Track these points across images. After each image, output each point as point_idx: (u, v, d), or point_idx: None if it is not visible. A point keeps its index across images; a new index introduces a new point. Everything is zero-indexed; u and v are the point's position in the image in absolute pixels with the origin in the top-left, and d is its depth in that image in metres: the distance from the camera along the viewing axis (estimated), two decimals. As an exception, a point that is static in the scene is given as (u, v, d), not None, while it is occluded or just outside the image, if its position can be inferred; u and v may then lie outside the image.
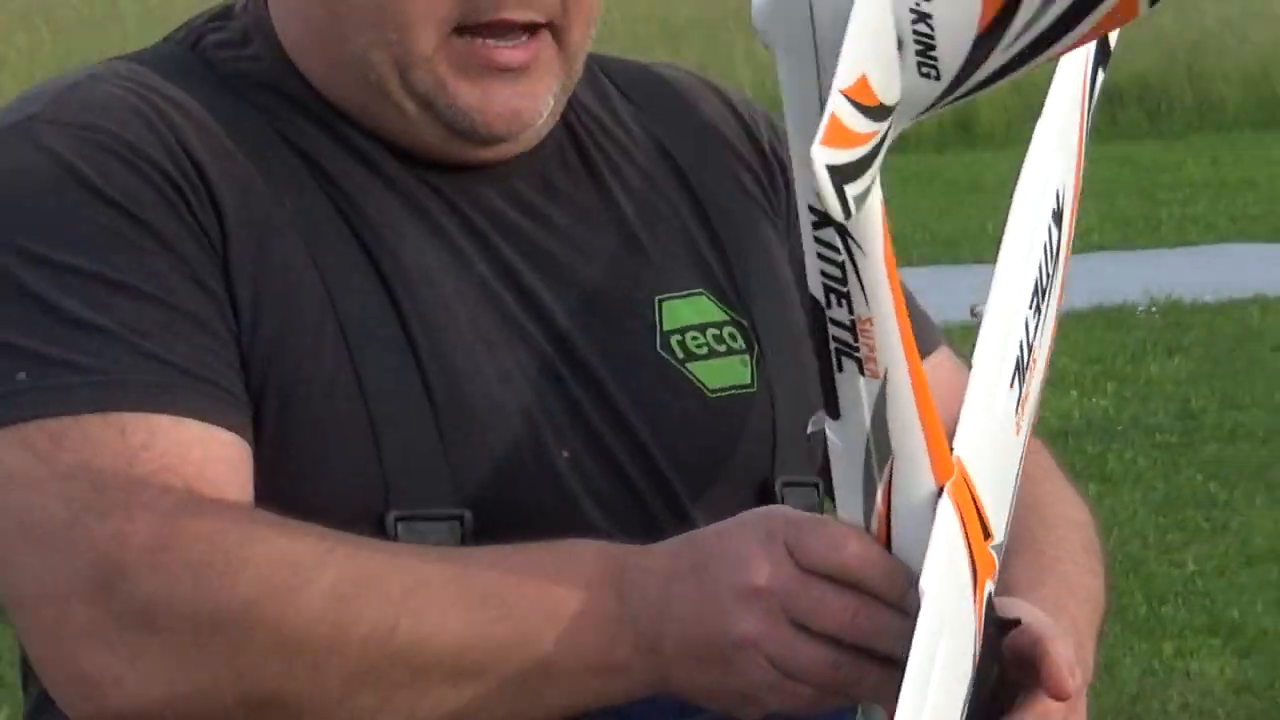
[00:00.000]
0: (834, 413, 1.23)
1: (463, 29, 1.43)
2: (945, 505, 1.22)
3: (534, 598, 1.29)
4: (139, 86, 1.44)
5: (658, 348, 1.49)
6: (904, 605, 1.22)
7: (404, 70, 1.43)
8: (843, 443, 1.25)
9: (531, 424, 1.43)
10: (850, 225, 1.13)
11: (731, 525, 1.30)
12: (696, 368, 1.50)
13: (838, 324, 1.19)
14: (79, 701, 1.32)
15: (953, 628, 1.22)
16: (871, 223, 1.15)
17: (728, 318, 1.53)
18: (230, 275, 1.39)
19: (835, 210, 1.05)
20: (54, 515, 1.30)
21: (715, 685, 1.28)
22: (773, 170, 1.64)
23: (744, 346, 1.52)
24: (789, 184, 1.57)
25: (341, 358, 1.40)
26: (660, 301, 1.51)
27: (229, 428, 1.36)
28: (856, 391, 1.21)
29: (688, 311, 1.52)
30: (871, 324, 1.18)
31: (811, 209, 1.14)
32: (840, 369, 1.21)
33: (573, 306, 1.49)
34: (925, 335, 1.55)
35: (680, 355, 1.50)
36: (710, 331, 1.52)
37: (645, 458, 1.46)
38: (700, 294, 1.53)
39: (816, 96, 1.11)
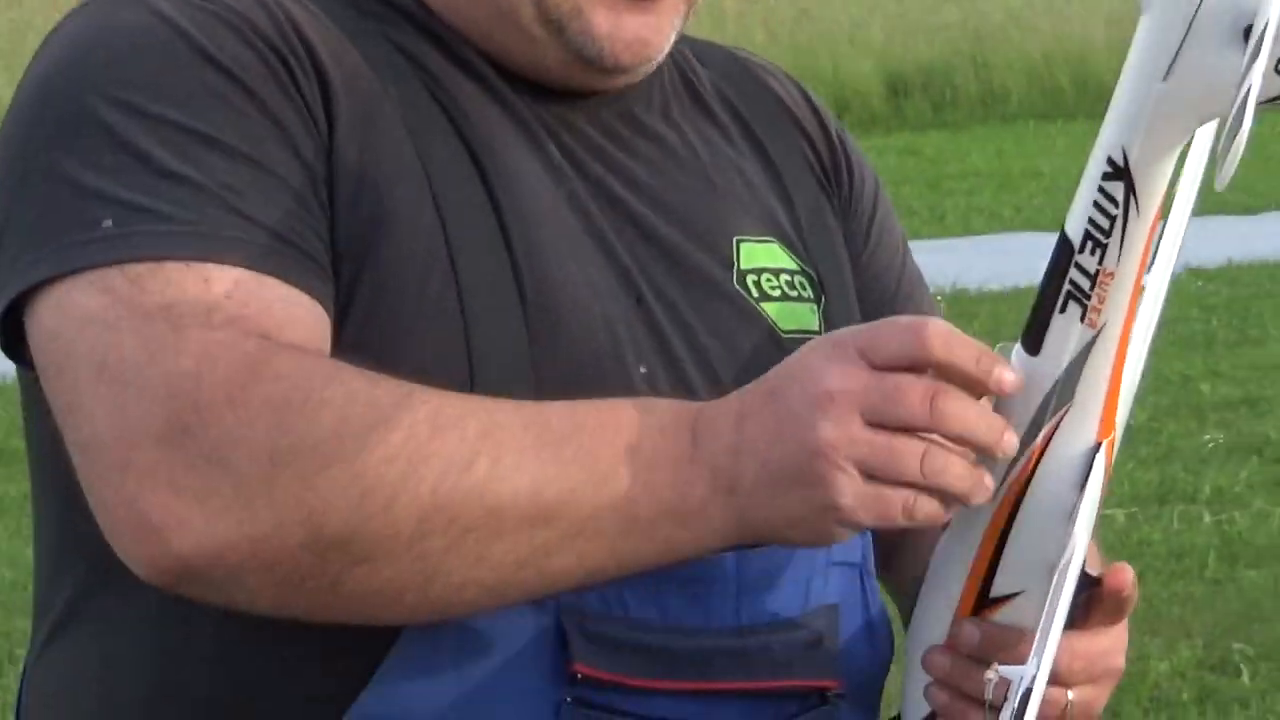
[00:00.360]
0: (1033, 349, 1.25)
1: None
2: (1100, 460, 1.25)
3: (609, 440, 1.28)
4: None
5: (735, 283, 1.50)
6: (989, 385, 1.24)
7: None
8: (1025, 378, 1.24)
9: (614, 336, 1.43)
10: (1139, 185, 1.18)
11: (798, 351, 1.30)
12: (770, 308, 1.50)
13: (1081, 269, 1.21)
14: (139, 546, 1.27)
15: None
16: (1159, 188, 1.20)
17: (799, 268, 1.54)
18: (333, 156, 1.37)
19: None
20: (129, 355, 1.26)
21: (798, 509, 1.26)
22: (837, 155, 1.65)
23: (813, 296, 1.54)
24: (851, 171, 1.65)
25: (438, 248, 1.38)
26: (738, 241, 1.52)
27: (312, 294, 1.33)
28: (1067, 336, 1.23)
29: (763, 255, 1.53)
30: (1112, 279, 1.21)
31: (1110, 160, 1.18)
32: (1063, 310, 1.23)
33: (657, 232, 1.49)
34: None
35: (755, 294, 1.51)
36: (783, 277, 1.53)
37: (716, 384, 1.44)
38: (773, 242, 1.54)
39: (1167, 64, 1.16)
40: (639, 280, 1.46)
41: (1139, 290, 1.25)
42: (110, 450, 1.27)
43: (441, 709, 1.36)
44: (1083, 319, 1.23)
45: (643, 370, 1.43)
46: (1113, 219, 1.20)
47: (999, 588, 1.32)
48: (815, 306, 1.54)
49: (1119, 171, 1.18)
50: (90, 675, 1.45)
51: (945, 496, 1.26)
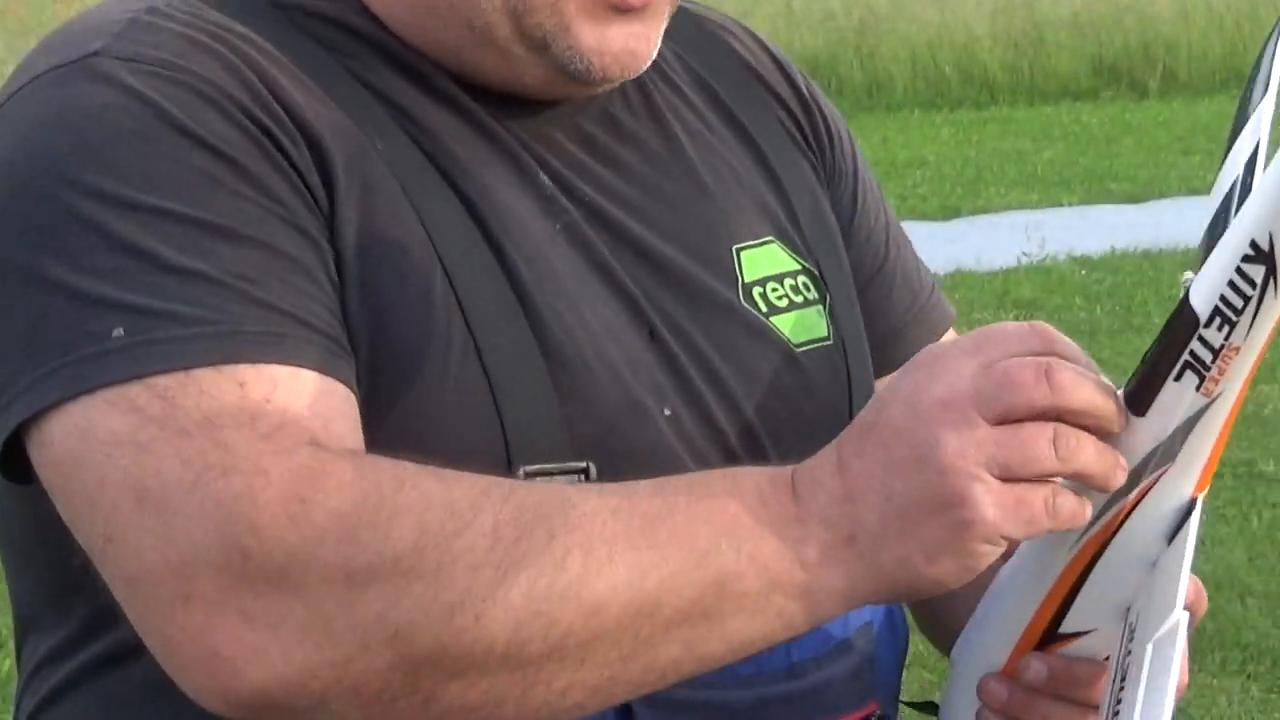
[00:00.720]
0: (1139, 410, 1.21)
1: None
2: (1197, 515, 1.23)
3: (704, 515, 1.20)
4: (205, 24, 1.33)
5: (741, 299, 1.44)
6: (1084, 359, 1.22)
7: (520, 15, 1.35)
8: (1127, 437, 1.21)
9: (634, 381, 1.37)
10: None
11: (890, 380, 1.24)
12: (779, 321, 1.45)
13: (1205, 343, 1.17)
14: (212, 682, 1.18)
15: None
16: None
17: (799, 266, 1.49)
18: (335, 229, 1.30)
19: None
20: (172, 478, 1.17)
21: (936, 536, 1.17)
22: (812, 113, 1.60)
23: (817, 296, 1.49)
24: (830, 132, 1.59)
25: (454, 317, 1.31)
26: (738, 250, 1.46)
27: (343, 381, 1.26)
28: (1179, 402, 1.20)
29: (764, 260, 1.47)
30: (1236, 353, 1.17)
31: (1254, 244, 1.13)
32: (1177, 379, 1.19)
33: (657, 253, 1.42)
34: (940, 309, 1.62)
35: (763, 308, 1.45)
36: (787, 281, 1.47)
37: (739, 415, 1.41)
38: (771, 241, 1.49)
39: None
40: (649, 311, 1.40)
41: (1259, 361, 1.21)
42: (166, 583, 1.17)
43: None
44: (1198, 388, 1.19)
45: (667, 413, 1.38)
46: (1247, 299, 1.16)
47: (1070, 625, 1.29)
48: (821, 308, 1.49)
49: (1261, 255, 1.14)
50: None
51: (1080, 485, 1.20)
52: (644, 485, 1.23)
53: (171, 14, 1.33)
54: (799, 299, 1.47)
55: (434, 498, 1.18)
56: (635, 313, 1.39)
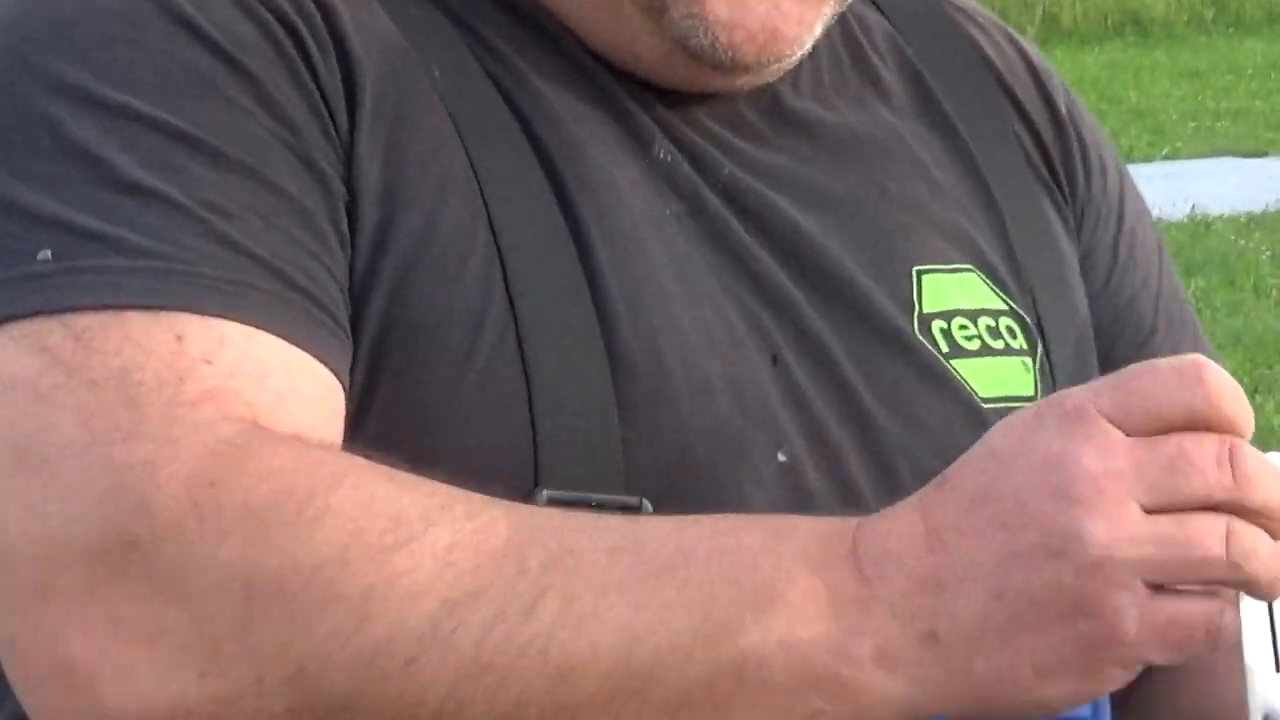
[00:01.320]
0: None
1: None
2: None
3: (730, 573, 0.98)
4: None
5: (916, 332, 1.21)
6: None
7: None
8: None
9: (740, 410, 1.14)
10: None
11: (1001, 428, 0.99)
12: (964, 366, 1.21)
13: None
14: (60, 699, 0.99)
15: None
16: None
17: (1006, 306, 1.25)
18: (354, 166, 1.10)
19: None
20: (62, 436, 0.99)
21: (1058, 651, 0.95)
22: (1069, 140, 1.36)
23: (1026, 346, 1.25)
24: (1088, 161, 1.35)
25: (494, 293, 1.10)
26: (919, 273, 1.23)
27: (325, 361, 1.06)
28: None
29: (955, 290, 1.24)
30: None
31: None
32: None
33: (806, 260, 1.20)
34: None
35: (945, 348, 1.21)
36: (984, 321, 1.24)
37: (889, 476, 1.16)
38: (970, 271, 1.25)
39: None
40: (775, 331, 1.17)
41: None
42: (23, 566, 0.99)
43: None
44: None
45: (782, 459, 1.14)
46: None
47: None
48: (1030, 361, 1.25)
49: None
50: None
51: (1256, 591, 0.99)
52: (658, 523, 1.03)
53: None
54: (998, 344, 1.23)
55: (378, 501, 0.98)
56: (758, 329, 1.16)
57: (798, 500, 1.11)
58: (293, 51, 1.09)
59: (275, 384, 1.02)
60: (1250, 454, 0.94)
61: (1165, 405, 0.94)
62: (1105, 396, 0.95)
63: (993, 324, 1.23)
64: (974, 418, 1.17)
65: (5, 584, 0.99)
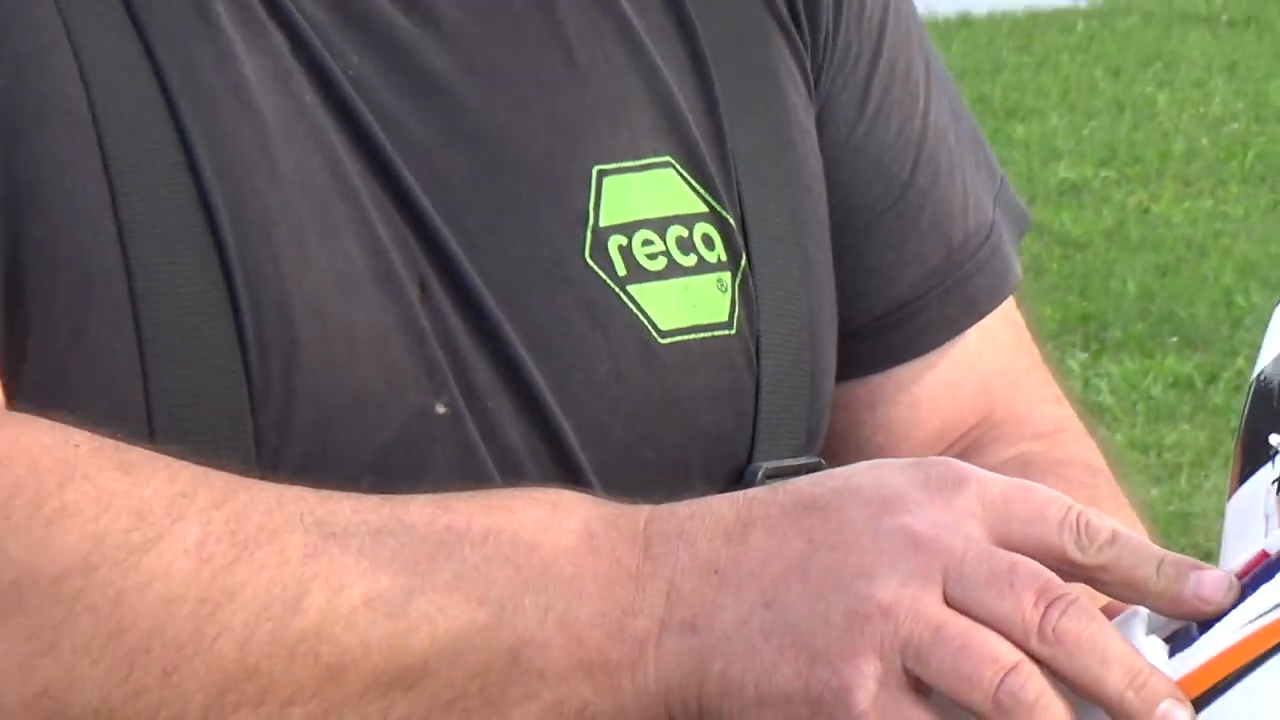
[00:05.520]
0: None
1: None
2: None
3: (506, 552, 0.95)
4: None
5: (586, 255, 1.12)
6: (1163, 594, 0.94)
7: None
8: None
9: (387, 354, 1.06)
10: None
11: (872, 464, 1.00)
12: (643, 292, 1.12)
13: None
14: None
15: None
16: None
17: (705, 209, 1.17)
18: None
19: None
20: None
21: (787, 685, 0.92)
22: None
23: (725, 259, 1.16)
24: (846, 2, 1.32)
25: (105, 228, 1.02)
26: (601, 175, 1.14)
27: None
28: None
29: (643, 195, 1.15)
30: None
31: None
32: None
33: (456, 171, 1.11)
34: (988, 273, 1.28)
35: (622, 270, 1.13)
36: (674, 231, 1.15)
37: (550, 436, 1.10)
38: (666, 164, 1.16)
39: None
40: (422, 254, 1.10)
41: None
42: None
43: None
44: None
45: (440, 410, 1.07)
46: None
47: None
48: (727, 277, 1.17)
49: None
50: None
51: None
52: (422, 500, 0.98)
53: None
54: (689, 260, 1.15)
55: (116, 496, 0.95)
56: (403, 252, 1.08)
57: (464, 457, 1.06)
58: None
59: None
60: (1078, 616, 0.91)
61: (1034, 528, 0.93)
62: (993, 489, 0.95)
63: (685, 234, 1.16)
64: (649, 357, 1.13)
65: None
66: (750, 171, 1.22)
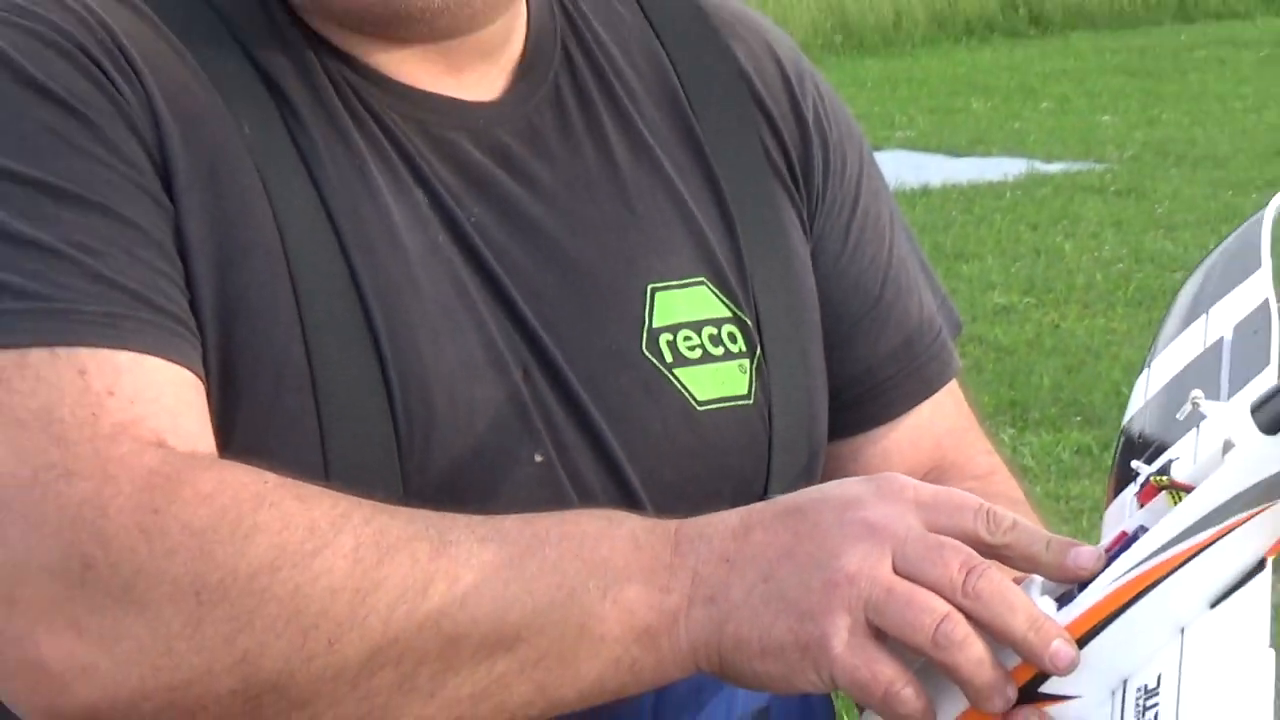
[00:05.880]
0: (1272, 426, 1.06)
1: None
2: (1267, 578, 1.08)
3: (575, 552, 1.09)
4: None
5: (643, 348, 1.27)
6: (1051, 565, 1.08)
7: None
8: (1233, 459, 1.07)
9: (497, 421, 1.22)
10: None
11: (839, 481, 1.14)
12: (685, 374, 1.28)
13: None
14: (34, 695, 1.07)
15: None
16: None
17: (730, 314, 1.31)
18: (177, 208, 1.15)
19: None
20: (5, 471, 1.05)
21: (781, 637, 1.06)
22: (810, 139, 1.40)
23: (745, 349, 1.31)
24: (828, 159, 1.40)
25: (294, 333, 1.16)
26: (653, 291, 1.29)
27: (189, 367, 1.12)
28: None
29: (684, 304, 1.29)
30: None
31: None
32: None
33: (548, 289, 1.25)
34: (931, 358, 1.44)
35: (669, 358, 1.28)
36: (707, 330, 1.30)
37: (617, 477, 1.25)
38: (700, 283, 1.31)
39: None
40: (525, 350, 1.23)
41: None
42: None
43: None
44: None
45: (538, 459, 1.22)
46: None
47: (1052, 685, 1.08)
48: (746, 363, 1.31)
49: None
50: None
51: (959, 680, 1.05)
52: (514, 518, 1.11)
53: None
54: (718, 351, 1.30)
55: (294, 516, 1.07)
56: (510, 347, 1.22)
57: (551, 493, 1.20)
58: (123, 103, 1.13)
59: (169, 403, 1.08)
60: (991, 579, 1.03)
61: (955, 518, 1.06)
62: (924, 492, 1.07)
63: (715, 332, 1.29)
64: (690, 420, 1.26)
65: None
66: (762, 288, 1.33)
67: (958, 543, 1.05)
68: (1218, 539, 1.05)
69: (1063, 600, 1.08)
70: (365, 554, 1.07)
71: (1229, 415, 1.10)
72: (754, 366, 1.31)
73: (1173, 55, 16.63)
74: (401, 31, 1.23)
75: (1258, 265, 1.27)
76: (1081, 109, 14.19)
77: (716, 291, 1.31)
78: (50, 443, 1.05)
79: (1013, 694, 1.05)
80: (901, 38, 17.43)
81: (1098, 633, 1.06)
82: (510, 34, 1.30)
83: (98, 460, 1.05)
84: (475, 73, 1.28)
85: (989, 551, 1.06)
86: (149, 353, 1.09)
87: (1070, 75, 15.78)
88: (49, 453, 1.05)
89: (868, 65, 16.36)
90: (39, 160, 1.11)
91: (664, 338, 1.28)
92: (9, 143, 1.11)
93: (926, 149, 12.57)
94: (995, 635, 1.04)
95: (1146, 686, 1.06)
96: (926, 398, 1.43)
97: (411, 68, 1.25)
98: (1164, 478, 1.11)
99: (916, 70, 16.16)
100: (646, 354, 1.27)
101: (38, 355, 1.07)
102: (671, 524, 1.12)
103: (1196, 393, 1.13)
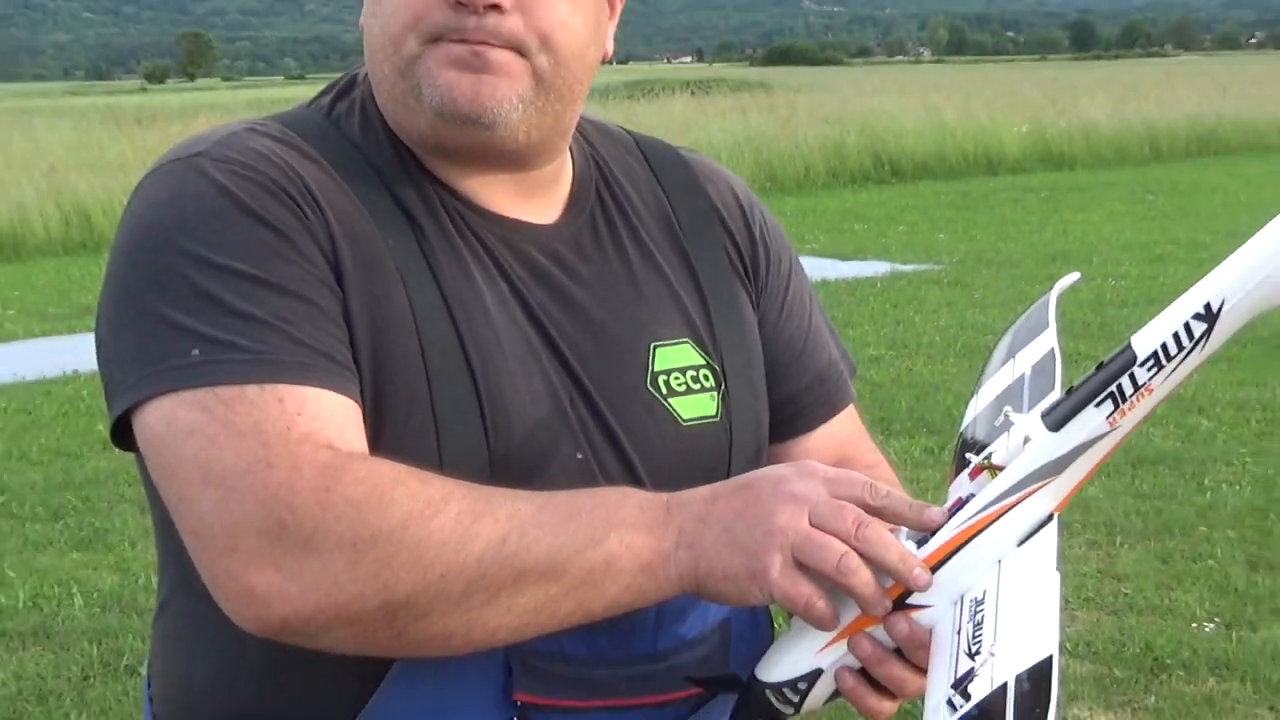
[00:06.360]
0: (1056, 427, 1.27)
1: (436, 38, 1.43)
2: (1055, 526, 1.30)
3: (601, 516, 1.32)
4: (282, 143, 1.44)
5: (647, 385, 1.51)
6: (919, 524, 1.31)
7: (403, 70, 1.44)
8: (1035, 448, 1.30)
9: (553, 433, 1.46)
10: (1218, 331, 1.21)
11: (774, 467, 1.35)
12: (676, 401, 1.53)
13: (1133, 379, 1.23)
14: (247, 610, 1.30)
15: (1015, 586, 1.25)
16: (1223, 340, 1.22)
17: (704, 362, 1.54)
18: (345, 294, 1.41)
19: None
20: (229, 464, 1.28)
21: (737, 567, 1.29)
22: (757, 250, 1.64)
23: (714, 385, 1.54)
24: (770, 262, 1.64)
25: (420, 377, 1.41)
26: (654, 347, 1.53)
27: (352, 399, 1.35)
28: (1088, 425, 1.26)
29: (674, 355, 1.54)
30: (1148, 395, 1.23)
31: (1207, 306, 1.21)
32: (1098, 405, 1.25)
33: (586, 346, 1.49)
34: (836, 390, 1.68)
35: (665, 391, 1.52)
36: (690, 373, 1.54)
37: (630, 469, 1.48)
38: (685, 342, 1.54)
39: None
40: (569, 385, 1.49)
41: (1151, 408, 1.22)
42: (218, 538, 1.28)
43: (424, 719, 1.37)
44: (1108, 417, 1.25)
45: (580, 456, 1.46)
46: (1182, 349, 1.21)
47: (915, 599, 1.31)
48: (715, 394, 1.54)
49: (1209, 315, 1.20)
50: (175, 661, 1.54)
51: (854, 595, 1.27)
52: (562, 493, 1.33)
53: (260, 130, 1.44)
54: (697, 386, 1.53)
55: (417, 493, 1.28)
56: (563, 385, 1.47)
57: (588, 479, 1.44)
58: (310, 227, 1.38)
59: (337, 421, 1.32)
60: (874, 528, 1.26)
61: (850, 490, 1.30)
62: (830, 473, 1.30)
63: (695, 374, 1.54)
64: (678, 432, 1.50)
65: (208, 546, 1.29)
66: (725, 345, 1.57)
67: (853, 505, 1.26)
68: (1021, 501, 1.26)
69: (921, 543, 1.28)
70: (464, 518, 1.28)
71: (1028, 421, 1.28)
72: (720, 397, 1.53)
73: (984, 196, 19.86)
74: (489, 161, 1.45)
75: (1045, 327, 1.50)
76: (925, 230, 16.53)
77: (695, 347, 1.53)
78: (258, 445, 1.28)
79: (889, 604, 1.26)
80: (809, 184, 21.12)
81: (944, 563, 1.28)
82: (560, 176, 1.54)
83: (289, 457, 1.27)
84: (538, 202, 1.51)
85: (873, 512, 1.27)
86: (324, 388, 1.32)
87: (917, 208, 18.53)
88: (257, 452, 1.27)
89: (787, 201, 19.19)
90: (256, 263, 1.33)
91: (661, 378, 1.51)
92: (237, 252, 1.33)
93: (825, 256, 14.35)
94: (876, 566, 1.25)
95: (976, 599, 1.25)
96: (833, 416, 1.67)
97: (496, 196, 1.47)
98: (987, 461, 1.31)
99: (819, 205, 19.06)
100: (649, 389, 1.50)
101: (252, 390, 1.30)
102: (664, 496, 1.32)
103: (1008, 408, 1.33)
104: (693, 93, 29.73)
